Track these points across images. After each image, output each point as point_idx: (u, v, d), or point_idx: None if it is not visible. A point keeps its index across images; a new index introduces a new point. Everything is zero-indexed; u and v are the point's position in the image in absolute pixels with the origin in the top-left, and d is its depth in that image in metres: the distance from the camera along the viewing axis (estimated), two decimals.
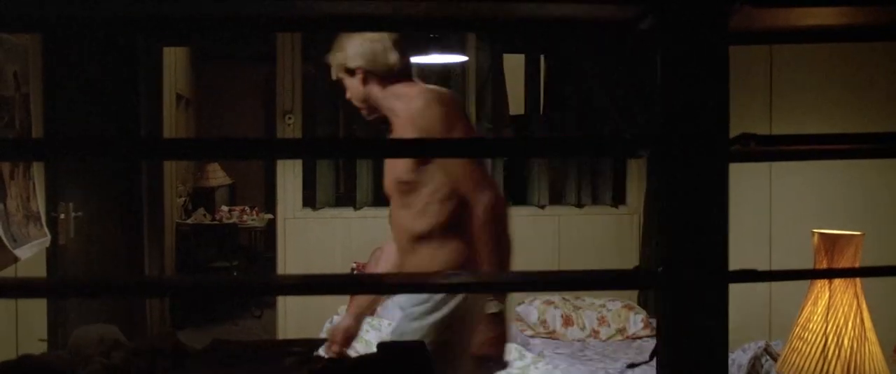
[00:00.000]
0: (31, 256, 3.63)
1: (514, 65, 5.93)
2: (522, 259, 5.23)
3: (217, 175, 9.01)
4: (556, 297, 5.06)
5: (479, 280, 1.34)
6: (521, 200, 5.55)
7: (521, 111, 5.80)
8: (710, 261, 1.13)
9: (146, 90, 5.86)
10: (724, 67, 1.11)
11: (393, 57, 2.79)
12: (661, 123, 1.12)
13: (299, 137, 4.86)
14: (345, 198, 5.60)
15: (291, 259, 5.21)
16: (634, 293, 5.30)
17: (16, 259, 3.50)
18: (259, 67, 7.26)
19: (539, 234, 5.40)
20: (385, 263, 4.12)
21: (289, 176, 5.22)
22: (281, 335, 5.17)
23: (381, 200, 5.36)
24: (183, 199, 8.49)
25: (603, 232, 5.44)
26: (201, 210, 8.33)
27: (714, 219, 1.13)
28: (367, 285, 1.37)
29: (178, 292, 1.39)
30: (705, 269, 1.13)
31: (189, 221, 8.21)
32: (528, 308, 5.06)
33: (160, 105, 6.19)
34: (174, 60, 6.93)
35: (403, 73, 2.82)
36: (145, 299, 5.61)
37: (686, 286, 1.13)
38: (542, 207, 5.44)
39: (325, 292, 1.36)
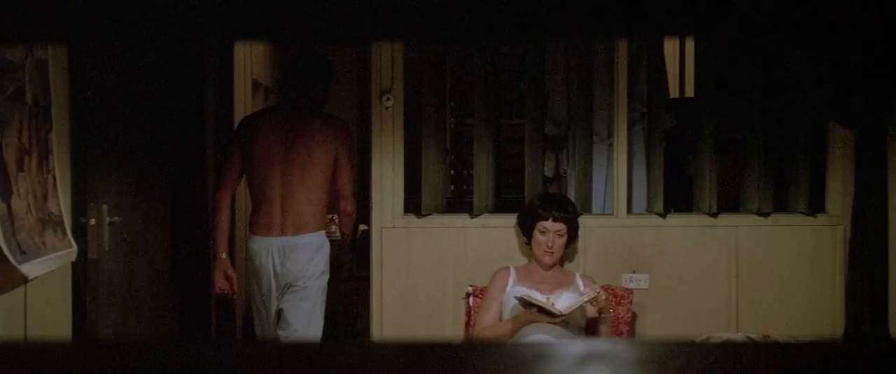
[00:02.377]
0: (47, 273, 2.76)
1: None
2: (690, 280, 4.26)
3: None
4: (739, 337, 3.90)
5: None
6: (686, 206, 4.47)
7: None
8: None
9: (215, 74, 4.96)
10: None
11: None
12: None
13: None
14: (458, 203, 4.88)
15: (389, 279, 4.25)
16: (839, 331, 4.12)
17: (25, 279, 2.64)
18: (348, 47, 6.38)
19: (710, 248, 4.28)
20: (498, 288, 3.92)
21: (387, 175, 4.28)
22: None
23: (503, 205, 4.47)
24: None
25: (793, 247, 4.29)
26: None
27: None
28: None
29: None
30: None
31: None
32: None
33: (231, 91, 5.32)
34: (250, 45, 6.09)
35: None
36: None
37: None
38: (714, 215, 4.32)
39: None
